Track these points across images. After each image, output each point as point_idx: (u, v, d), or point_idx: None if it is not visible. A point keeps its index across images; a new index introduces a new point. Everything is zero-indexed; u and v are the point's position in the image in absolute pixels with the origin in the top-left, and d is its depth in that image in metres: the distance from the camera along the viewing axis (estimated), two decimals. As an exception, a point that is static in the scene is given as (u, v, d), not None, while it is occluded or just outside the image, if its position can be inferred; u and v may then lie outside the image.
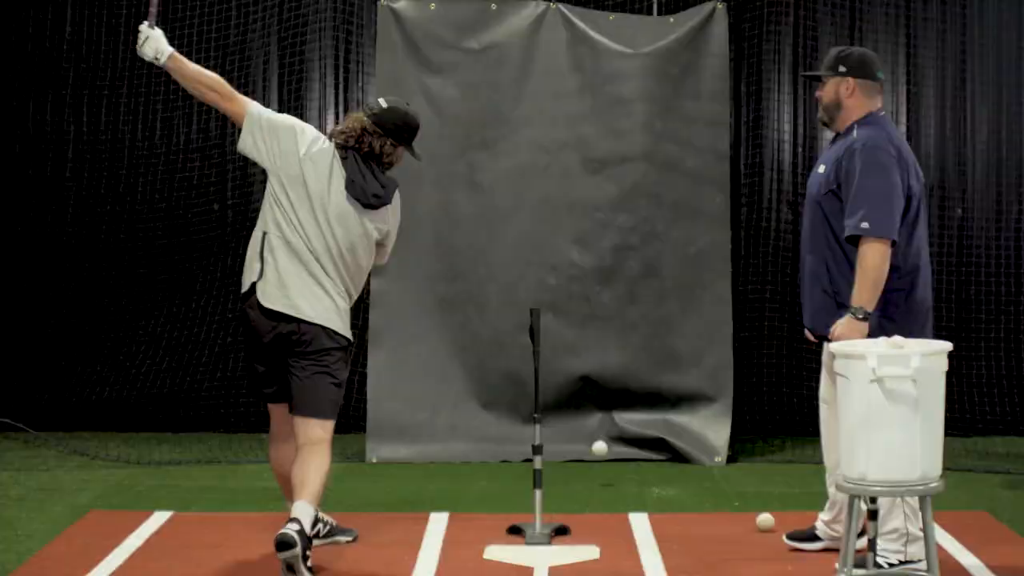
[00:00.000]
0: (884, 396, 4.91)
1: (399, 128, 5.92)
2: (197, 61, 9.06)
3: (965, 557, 5.99)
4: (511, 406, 8.37)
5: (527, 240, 8.52)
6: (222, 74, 9.05)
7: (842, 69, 5.76)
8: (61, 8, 9.40)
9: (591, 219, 8.53)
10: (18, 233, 9.50)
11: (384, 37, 8.56)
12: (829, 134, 9.09)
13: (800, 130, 9.22)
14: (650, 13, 8.81)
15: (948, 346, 5.06)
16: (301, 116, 9.08)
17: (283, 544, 5.39)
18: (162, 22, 9.06)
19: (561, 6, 8.55)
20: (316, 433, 5.75)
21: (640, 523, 6.65)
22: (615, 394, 8.48)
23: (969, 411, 9.01)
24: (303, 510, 5.53)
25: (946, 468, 5.27)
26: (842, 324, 5.57)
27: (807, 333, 5.98)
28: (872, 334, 5.55)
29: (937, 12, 9.16)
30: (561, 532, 6.41)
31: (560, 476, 7.76)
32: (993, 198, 9.23)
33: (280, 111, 9.13)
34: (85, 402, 9.28)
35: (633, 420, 8.44)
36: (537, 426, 6.36)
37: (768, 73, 9.16)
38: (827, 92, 5.81)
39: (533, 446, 6.35)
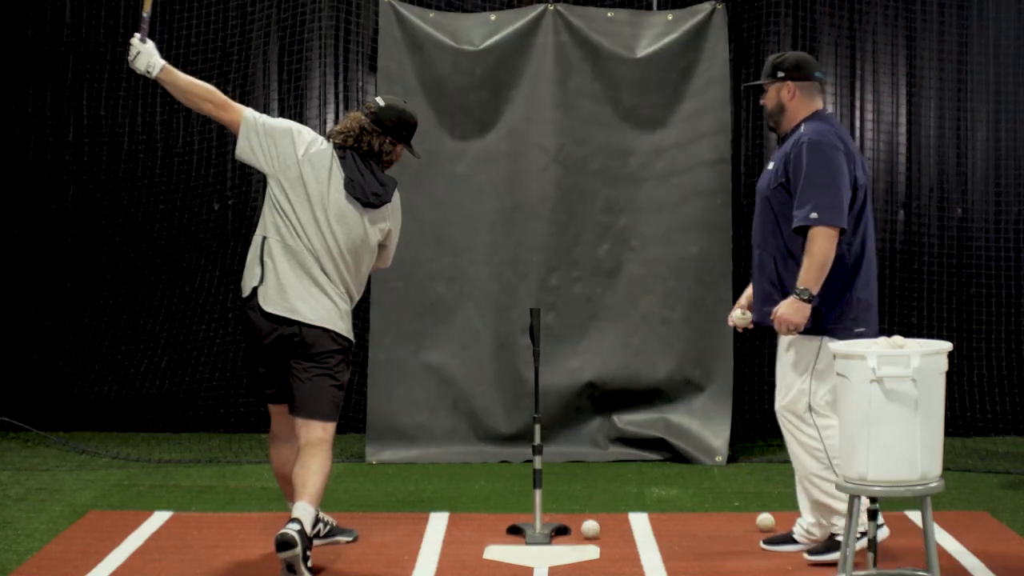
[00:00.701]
0: (884, 396, 4.92)
1: (397, 126, 5.92)
2: (196, 62, 9.21)
3: (965, 557, 5.99)
4: (511, 406, 8.38)
5: (528, 241, 8.52)
6: (222, 75, 9.16)
7: (780, 74, 5.91)
8: (60, 8, 9.39)
9: (592, 220, 8.53)
10: (17, 233, 9.49)
11: (386, 35, 8.57)
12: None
13: (800, 130, 9.21)
14: (650, 8, 8.81)
15: (948, 346, 5.07)
16: (301, 115, 9.10)
17: (284, 544, 5.39)
18: (162, 22, 9.14)
19: (560, 6, 8.55)
20: (317, 434, 5.76)
21: (640, 523, 6.65)
22: (615, 395, 8.48)
23: (969, 411, 9.01)
24: (304, 510, 5.53)
25: (946, 468, 5.28)
26: (786, 304, 5.68)
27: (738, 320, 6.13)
28: (813, 321, 5.69)
29: (937, 12, 9.16)
30: (561, 532, 6.41)
31: (560, 476, 7.77)
32: (993, 198, 9.23)
33: (280, 111, 9.19)
34: (85, 401, 9.28)
35: (633, 420, 8.44)
36: (537, 426, 6.36)
37: (768, 73, 9.15)
38: (769, 99, 5.96)
39: (533, 446, 6.35)
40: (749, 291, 6.15)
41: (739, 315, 6.13)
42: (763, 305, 5.91)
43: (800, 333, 5.74)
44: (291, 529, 5.42)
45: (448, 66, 8.54)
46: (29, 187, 9.47)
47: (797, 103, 5.90)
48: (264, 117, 5.90)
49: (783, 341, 5.94)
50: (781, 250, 5.82)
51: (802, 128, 5.84)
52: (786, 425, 5.92)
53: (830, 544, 5.89)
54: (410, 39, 8.54)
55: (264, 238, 5.83)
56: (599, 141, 8.55)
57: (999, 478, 7.75)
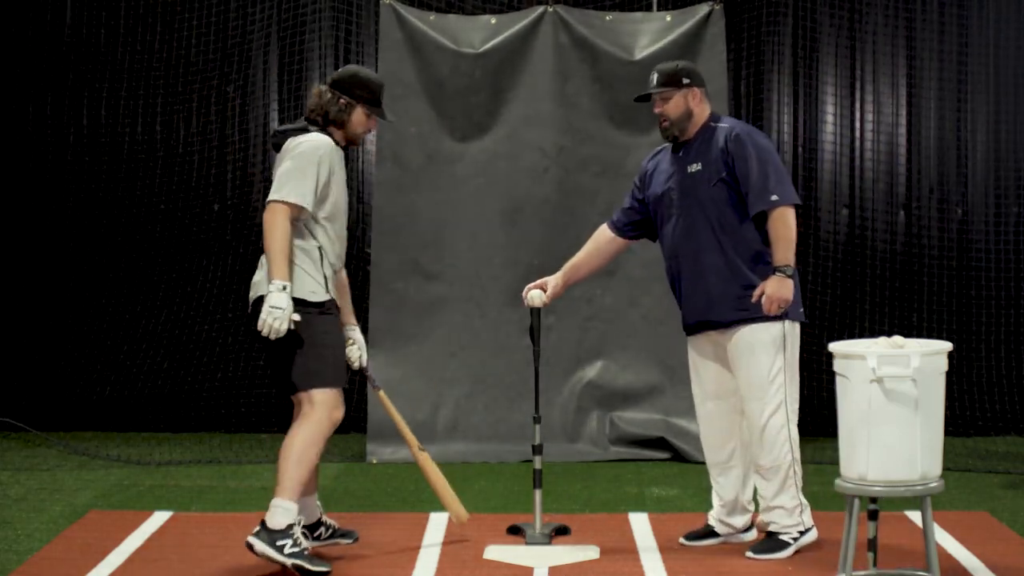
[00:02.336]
0: (884, 396, 4.93)
1: (353, 84, 5.85)
2: (197, 62, 9.22)
3: (965, 557, 5.99)
4: (511, 406, 8.38)
5: (528, 242, 8.53)
6: (222, 75, 9.18)
7: (686, 81, 6.05)
8: (60, 9, 9.40)
9: (591, 221, 8.52)
10: (18, 233, 9.50)
11: (386, 36, 8.58)
12: (829, 136, 9.18)
13: (800, 130, 9.23)
14: (649, 9, 8.83)
15: (948, 346, 5.07)
16: (300, 115, 9.11)
17: (250, 547, 5.54)
18: (162, 22, 9.17)
19: (559, 8, 8.57)
20: (299, 407, 5.73)
21: (640, 523, 6.65)
22: (615, 395, 8.49)
23: (969, 411, 9.01)
24: (270, 509, 5.57)
25: (946, 468, 5.28)
26: (772, 283, 5.79)
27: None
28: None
29: (937, 12, 9.17)
30: (561, 532, 6.41)
31: (560, 476, 7.77)
32: (993, 198, 9.23)
33: (280, 111, 9.23)
34: (85, 402, 9.29)
35: (634, 420, 8.45)
36: (537, 426, 6.36)
37: (768, 73, 9.17)
38: (673, 106, 6.05)
39: (533, 446, 6.35)
40: (554, 278, 6.33)
41: (537, 295, 6.31)
42: (720, 302, 5.93)
43: (756, 321, 5.84)
44: (250, 537, 5.54)
45: (448, 68, 8.55)
46: (31, 188, 9.48)
47: (702, 107, 6.06)
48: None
49: (710, 350, 6.07)
50: (734, 242, 5.90)
51: (720, 125, 6.02)
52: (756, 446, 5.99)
53: (775, 543, 5.96)
54: (411, 41, 8.55)
55: None
56: (598, 142, 8.56)
57: (999, 478, 7.75)
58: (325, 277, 5.74)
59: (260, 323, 5.52)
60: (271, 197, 5.63)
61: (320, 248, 5.74)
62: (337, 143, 5.84)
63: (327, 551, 6.10)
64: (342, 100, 5.82)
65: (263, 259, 5.77)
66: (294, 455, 5.61)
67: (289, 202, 5.59)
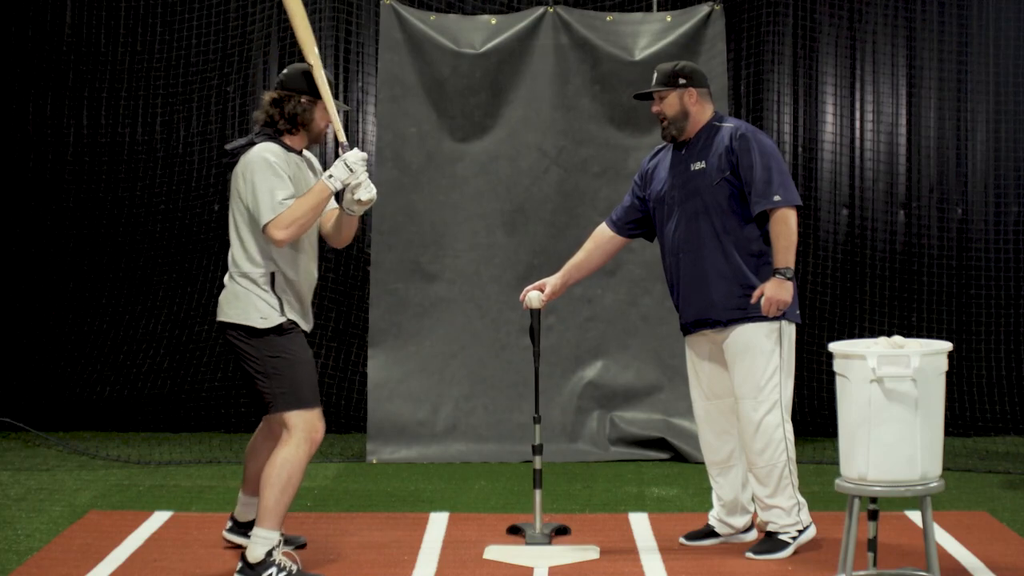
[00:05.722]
0: (884, 396, 4.93)
1: (307, 81, 5.71)
2: (197, 62, 9.22)
3: (965, 557, 5.99)
4: (511, 406, 8.39)
5: (528, 242, 8.53)
6: (222, 74, 9.16)
7: (682, 82, 6.05)
8: (60, 9, 9.40)
9: (591, 221, 8.52)
10: (18, 233, 9.50)
11: (386, 36, 8.58)
12: (829, 136, 9.17)
13: (800, 130, 9.23)
14: (649, 9, 8.84)
15: (948, 346, 5.07)
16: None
17: None
18: (163, 22, 9.16)
19: (559, 9, 8.57)
20: (277, 429, 5.68)
21: (640, 523, 6.66)
22: (615, 395, 8.49)
23: (969, 411, 9.01)
24: (251, 539, 5.54)
25: (946, 468, 5.28)
26: (771, 286, 5.83)
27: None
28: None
29: (937, 12, 9.17)
30: (561, 532, 6.41)
31: (560, 476, 7.77)
32: (993, 198, 9.23)
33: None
34: (85, 402, 9.28)
35: (634, 421, 8.45)
36: (537, 426, 6.37)
37: (768, 73, 9.17)
38: (669, 105, 6.06)
39: (533, 446, 6.35)
40: (554, 279, 6.34)
41: (535, 296, 6.31)
42: (722, 301, 5.93)
43: (753, 321, 5.87)
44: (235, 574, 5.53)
45: (448, 68, 8.55)
46: (31, 188, 9.47)
47: (700, 107, 6.06)
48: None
49: (707, 350, 6.08)
50: (737, 241, 5.92)
51: (725, 124, 6.03)
52: (748, 443, 5.99)
53: (775, 544, 5.97)
54: (411, 41, 8.56)
55: None
56: (599, 143, 8.57)
57: (999, 478, 7.75)
58: (280, 300, 5.59)
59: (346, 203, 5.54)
60: (268, 219, 5.47)
61: (272, 273, 5.58)
62: (291, 148, 5.68)
63: (327, 551, 6.10)
64: (303, 99, 5.70)
65: (227, 277, 5.68)
66: (279, 483, 5.49)
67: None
